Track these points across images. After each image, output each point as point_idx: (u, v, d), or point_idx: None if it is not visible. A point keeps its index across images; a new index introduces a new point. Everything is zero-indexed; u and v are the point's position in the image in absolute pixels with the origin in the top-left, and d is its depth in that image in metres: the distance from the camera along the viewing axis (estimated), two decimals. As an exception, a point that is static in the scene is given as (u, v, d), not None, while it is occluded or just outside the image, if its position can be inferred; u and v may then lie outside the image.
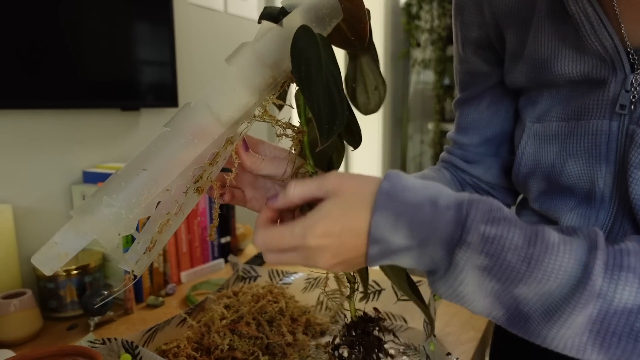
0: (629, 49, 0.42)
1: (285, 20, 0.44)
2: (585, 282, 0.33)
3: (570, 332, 0.34)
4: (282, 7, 0.46)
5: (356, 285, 0.53)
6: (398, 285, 0.48)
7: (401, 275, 0.47)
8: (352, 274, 0.52)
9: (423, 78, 2.70)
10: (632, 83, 0.42)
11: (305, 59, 0.41)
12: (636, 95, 0.42)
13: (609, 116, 0.44)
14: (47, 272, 0.37)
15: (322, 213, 0.37)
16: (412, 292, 0.47)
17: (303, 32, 0.42)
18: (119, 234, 0.37)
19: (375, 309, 0.58)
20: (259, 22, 0.45)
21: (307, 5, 0.44)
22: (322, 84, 0.42)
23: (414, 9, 2.56)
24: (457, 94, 0.64)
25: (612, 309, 0.33)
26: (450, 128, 0.67)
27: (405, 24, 2.59)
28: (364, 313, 0.53)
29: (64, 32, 0.88)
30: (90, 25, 0.93)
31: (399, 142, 2.82)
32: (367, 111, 0.53)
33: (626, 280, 0.33)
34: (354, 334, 0.52)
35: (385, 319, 0.58)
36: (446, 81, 2.59)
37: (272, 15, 0.46)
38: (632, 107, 0.42)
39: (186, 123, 0.41)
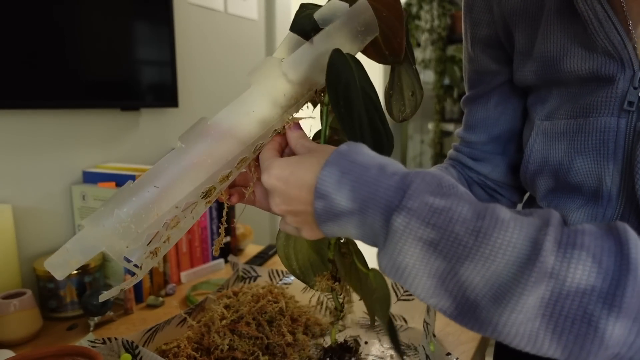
0: (636, 46, 0.43)
1: (317, 39, 0.42)
2: (535, 259, 0.30)
3: (522, 316, 0.31)
4: (314, 21, 0.44)
5: (342, 314, 0.54)
6: (379, 314, 0.48)
7: (385, 315, 0.45)
8: (340, 302, 0.54)
9: (423, 78, 2.70)
10: None
11: (344, 92, 0.40)
12: None
13: (617, 113, 0.44)
14: (58, 276, 0.38)
15: (282, 159, 0.40)
16: (390, 333, 0.46)
17: (337, 59, 0.41)
18: (127, 247, 0.38)
19: (356, 340, 0.59)
20: (291, 31, 0.44)
21: (341, 22, 0.42)
22: (364, 116, 0.41)
23: (414, 9, 2.56)
24: (466, 91, 0.64)
25: (565, 290, 0.30)
26: (451, 128, 0.67)
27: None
28: (345, 341, 0.54)
29: (64, 32, 0.88)
30: (90, 25, 0.93)
31: (399, 142, 2.82)
32: (401, 119, 0.52)
33: (579, 259, 0.30)
34: (328, 359, 0.53)
35: (361, 352, 0.59)
36: (446, 81, 2.59)
37: (303, 29, 0.44)
38: None
39: (200, 141, 0.41)
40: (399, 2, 0.44)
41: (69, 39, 0.89)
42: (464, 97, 0.64)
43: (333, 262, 0.52)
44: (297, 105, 0.45)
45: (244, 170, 0.48)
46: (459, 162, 0.66)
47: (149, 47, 1.05)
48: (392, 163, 0.37)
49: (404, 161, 2.76)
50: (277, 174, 0.39)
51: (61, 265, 0.37)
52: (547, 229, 0.31)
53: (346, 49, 0.43)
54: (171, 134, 1.21)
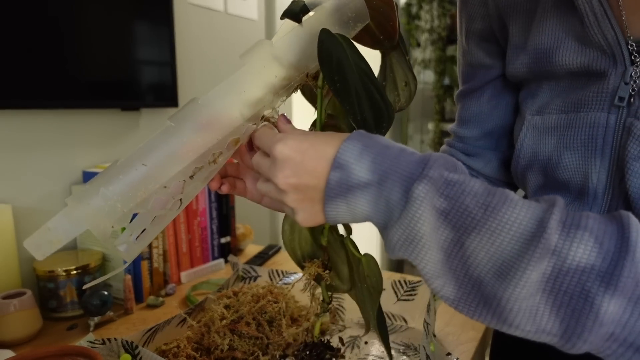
0: (629, 42, 0.43)
1: (306, 20, 0.42)
2: (540, 236, 0.32)
3: (524, 291, 0.32)
4: (304, 4, 0.43)
5: (328, 306, 0.53)
6: (369, 314, 0.48)
7: (374, 303, 0.46)
8: (329, 295, 0.53)
9: (423, 78, 2.70)
10: (631, 75, 0.43)
11: (337, 67, 0.40)
12: (635, 88, 0.43)
13: (607, 109, 0.45)
14: (39, 257, 0.36)
15: (299, 131, 0.39)
16: (379, 324, 0.47)
17: (326, 38, 0.41)
18: (112, 227, 0.37)
19: (341, 340, 0.59)
20: (282, 19, 0.44)
21: (330, 6, 0.42)
22: (360, 89, 0.41)
23: (414, 9, 2.56)
24: (459, 86, 0.64)
25: (566, 267, 0.31)
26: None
27: (405, 24, 2.58)
28: (327, 341, 0.54)
29: (64, 32, 0.88)
30: (90, 25, 0.93)
31: (399, 142, 2.82)
32: (397, 109, 0.52)
33: (581, 239, 0.31)
34: (307, 353, 0.52)
35: (344, 353, 0.58)
36: (446, 81, 2.59)
37: (293, 12, 0.44)
38: (631, 99, 0.43)
39: (190, 120, 0.40)
40: None
41: (68, 39, 0.89)
42: (457, 92, 0.65)
43: (325, 249, 0.51)
44: (288, 88, 0.44)
45: (234, 159, 0.47)
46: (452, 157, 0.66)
47: (149, 47, 1.05)
48: (410, 148, 0.38)
49: (404, 161, 2.76)
50: (294, 145, 0.38)
51: (42, 245, 0.36)
52: (553, 209, 0.33)
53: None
54: (171, 134, 1.21)
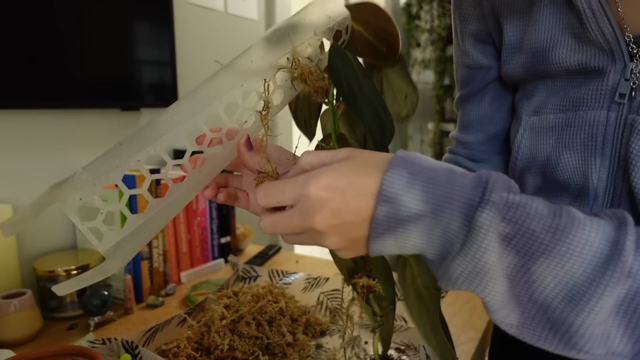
0: (627, 37, 0.42)
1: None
2: (617, 259, 0.30)
3: (599, 317, 0.30)
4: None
5: (381, 319, 0.50)
6: (428, 328, 0.43)
7: (433, 312, 0.41)
8: (378, 306, 0.49)
9: (423, 78, 2.70)
10: (632, 71, 0.42)
11: (345, 76, 0.42)
12: (637, 82, 0.42)
13: (607, 106, 0.44)
14: (7, 234, 0.37)
15: (330, 167, 0.34)
16: (445, 333, 0.42)
17: (336, 51, 0.43)
18: (80, 199, 0.36)
19: (398, 349, 0.56)
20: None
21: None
22: (365, 98, 0.42)
23: (414, 9, 2.56)
24: (458, 92, 0.63)
25: None
26: (451, 128, 0.67)
27: (405, 24, 2.58)
28: (387, 356, 0.51)
29: (64, 32, 0.88)
30: (90, 25, 0.93)
31: (399, 142, 2.82)
32: (400, 119, 0.52)
33: None
34: None
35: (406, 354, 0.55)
36: (446, 81, 2.59)
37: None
38: (633, 94, 0.42)
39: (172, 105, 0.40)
40: (383, 10, 0.47)
41: (69, 39, 0.89)
42: (457, 97, 0.64)
43: (365, 258, 0.49)
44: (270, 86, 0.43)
45: (235, 171, 0.47)
46: (458, 165, 0.65)
47: (149, 47, 1.05)
48: (456, 166, 0.35)
49: (404, 161, 2.76)
50: (329, 184, 0.33)
51: (13, 225, 0.36)
52: (627, 228, 0.31)
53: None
54: (171, 134, 1.21)
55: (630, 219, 0.32)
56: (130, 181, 0.90)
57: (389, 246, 0.34)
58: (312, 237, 0.36)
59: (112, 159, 0.36)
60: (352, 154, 0.36)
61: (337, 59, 0.43)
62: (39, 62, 0.85)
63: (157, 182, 0.93)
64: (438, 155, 2.61)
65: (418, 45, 2.60)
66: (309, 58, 0.44)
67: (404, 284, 0.44)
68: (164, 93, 1.10)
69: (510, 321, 0.33)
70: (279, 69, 0.43)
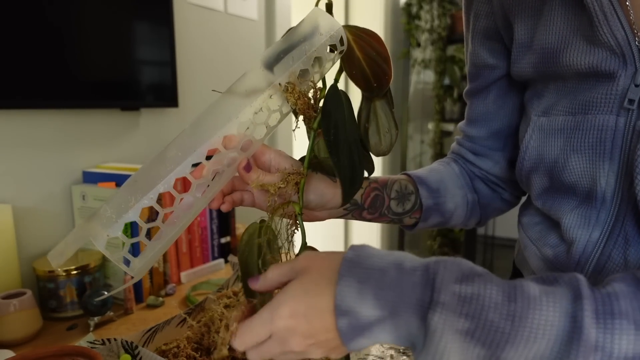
0: (638, 43, 0.41)
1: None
2: (579, 335, 0.30)
3: None
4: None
5: None
6: None
7: None
8: None
9: (423, 78, 2.70)
10: None
11: (334, 123, 0.46)
12: None
13: (617, 111, 0.43)
14: (54, 266, 0.43)
15: (286, 294, 0.37)
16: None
17: (333, 93, 0.47)
18: (108, 235, 0.41)
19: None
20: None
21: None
22: (347, 149, 0.47)
23: (414, 9, 2.56)
24: (467, 84, 0.64)
25: None
26: (451, 128, 0.67)
27: (405, 24, 2.58)
28: None
29: (64, 32, 0.88)
30: (90, 25, 0.93)
31: (399, 142, 2.83)
32: (378, 152, 0.55)
33: (621, 328, 0.30)
34: None
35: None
36: (446, 81, 2.59)
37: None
38: None
39: (177, 142, 0.45)
40: (385, 47, 0.50)
41: (68, 39, 0.89)
42: (465, 90, 0.65)
43: None
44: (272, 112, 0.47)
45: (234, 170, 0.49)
46: (461, 157, 0.66)
47: (149, 47, 1.05)
48: (405, 257, 0.36)
49: (404, 161, 2.77)
50: (291, 312, 0.36)
51: (56, 257, 0.42)
52: (582, 302, 0.31)
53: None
54: (171, 134, 1.21)
55: (584, 288, 0.32)
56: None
57: (365, 344, 0.36)
58: (299, 355, 0.38)
59: (129, 196, 0.41)
60: (307, 266, 0.38)
61: (331, 102, 0.47)
62: (39, 62, 0.85)
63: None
64: (438, 155, 2.61)
65: (418, 45, 2.60)
66: (300, 78, 0.48)
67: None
68: (164, 93, 1.10)
69: None
70: (270, 95, 0.47)
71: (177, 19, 1.15)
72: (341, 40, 0.49)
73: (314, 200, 0.51)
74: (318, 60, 0.48)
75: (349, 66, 0.50)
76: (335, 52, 0.50)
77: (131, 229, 0.87)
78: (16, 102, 0.84)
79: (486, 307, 0.32)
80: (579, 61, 0.45)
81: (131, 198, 0.41)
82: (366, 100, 0.54)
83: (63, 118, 0.95)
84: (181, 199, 0.44)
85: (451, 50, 2.58)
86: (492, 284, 0.33)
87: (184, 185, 0.46)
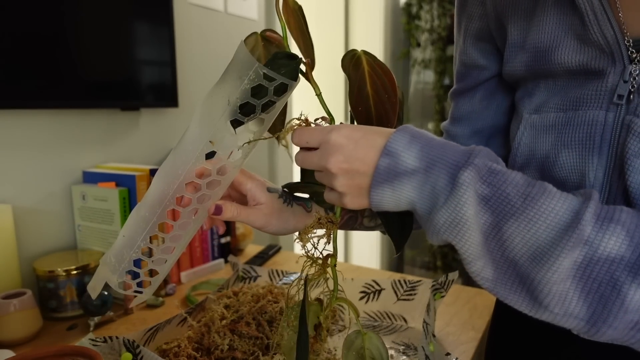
0: (627, 42, 0.43)
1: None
2: (575, 227, 0.34)
3: (556, 276, 0.35)
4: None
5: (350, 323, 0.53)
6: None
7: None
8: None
9: (423, 78, 2.70)
10: (630, 73, 0.43)
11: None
12: (635, 85, 0.43)
13: (606, 107, 0.45)
14: (93, 296, 0.53)
15: (349, 125, 0.42)
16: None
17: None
18: (117, 280, 0.50)
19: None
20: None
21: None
22: None
23: (414, 9, 2.56)
24: (454, 84, 0.65)
25: (597, 257, 0.34)
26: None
27: (405, 24, 2.58)
28: None
29: (64, 32, 0.88)
30: (90, 25, 0.93)
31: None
32: None
33: (613, 231, 0.34)
34: None
35: None
36: (446, 81, 2.59)
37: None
38: (631, 97, 0.43)
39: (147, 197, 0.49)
40: (398, 97, 0.50)
41: (69, 39, 0.89)
42: (451, 90, 0.65)
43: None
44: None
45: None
46: None
47: (149, 47, 1.05)
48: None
49: (403, 161, 2.77)
50: (348, 133, 0.41)
51: (92, 290, 0.53)
52: (589, 202, 0.35)
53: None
54: (171, 134, 1.21)
55: (595, 195, 0.36)
56: (130, 181, 0.91)
57: (386, 197, 0.40)
58: (327, 177, 0.43)
59: (124, 250, 0.49)
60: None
61: None
62: (38, 62, 0.85)
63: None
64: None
65: (418, 45, 2.60)
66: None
67: (348, 349, 0.48)
68: (164, 93, 1.10)
69: (485, 275, 0.38)
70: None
71: (177, 19, 1.15)
72: (294, 73, 0.44)
73: (276, 225, 0.53)
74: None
75: (357, 100, 0.49)
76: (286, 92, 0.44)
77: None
78: (16, 102, 0.84)
79: (507, 182, 0.37)
80: (570, 59, 0.47)
81: (124, 250, 0.49)
82: None
83: (63, 118, 0.95)
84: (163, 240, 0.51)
85: (451, 50, 2.57)
86: (518, 173, 0.38)
87: (172, 216, 0.49)
